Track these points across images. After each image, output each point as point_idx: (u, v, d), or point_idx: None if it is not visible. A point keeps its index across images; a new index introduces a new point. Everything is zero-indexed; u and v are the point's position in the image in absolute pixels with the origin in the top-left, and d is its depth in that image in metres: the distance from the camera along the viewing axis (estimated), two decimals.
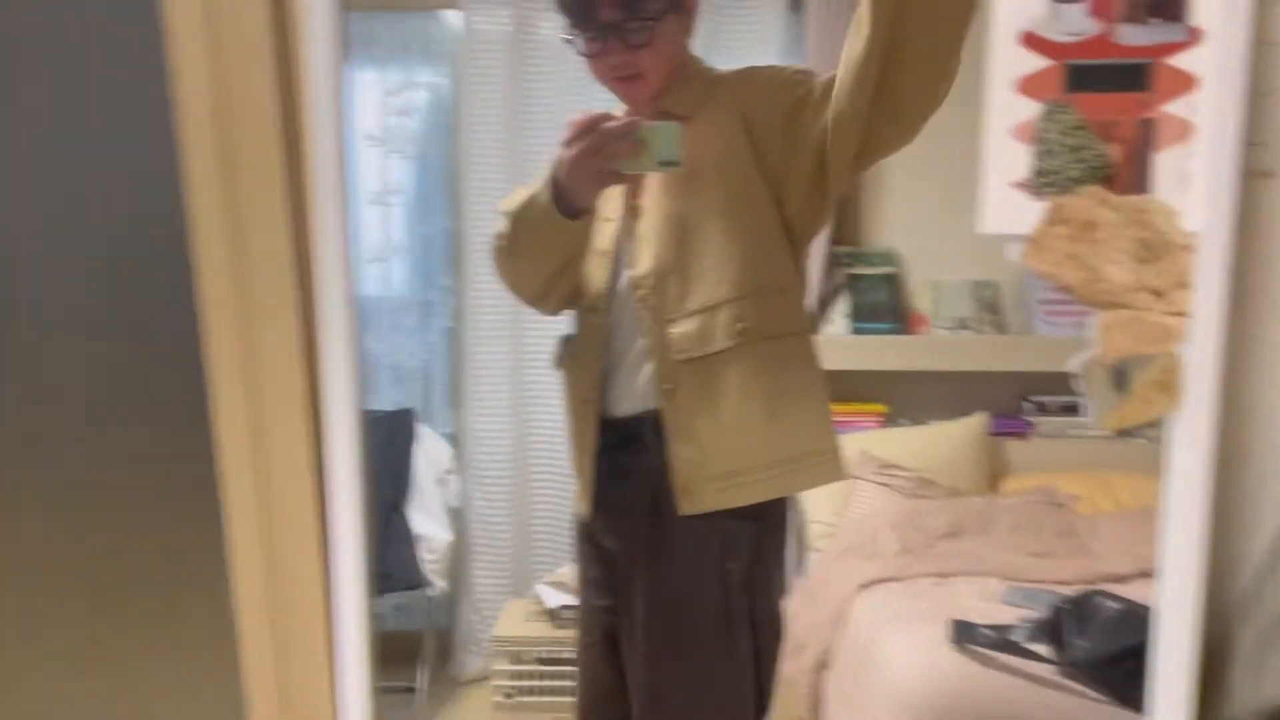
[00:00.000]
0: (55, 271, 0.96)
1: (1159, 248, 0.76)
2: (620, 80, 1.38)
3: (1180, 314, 0.77)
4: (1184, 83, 0.76)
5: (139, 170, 0.91)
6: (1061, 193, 0.75)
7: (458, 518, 3.12)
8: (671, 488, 1.38)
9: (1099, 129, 0.75)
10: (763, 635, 1.45)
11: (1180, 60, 0.75)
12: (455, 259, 3.21)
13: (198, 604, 0.99)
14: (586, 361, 1.46)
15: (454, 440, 3.20)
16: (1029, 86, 0.75)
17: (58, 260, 0.96)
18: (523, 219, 1.39)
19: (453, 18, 3.14)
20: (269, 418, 0.91)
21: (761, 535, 1.43)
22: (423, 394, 3.30)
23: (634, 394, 1.41)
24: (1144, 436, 3.06)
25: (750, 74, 1.43)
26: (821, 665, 2.42)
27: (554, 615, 2.81)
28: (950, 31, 0.98)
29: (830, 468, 1.41)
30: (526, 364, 3.09)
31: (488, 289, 3.06)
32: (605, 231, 1.44)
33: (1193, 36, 0.75)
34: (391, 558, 2.74)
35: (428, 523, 2.94)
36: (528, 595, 3.00)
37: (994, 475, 3.04)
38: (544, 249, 1.40)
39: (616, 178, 1.30)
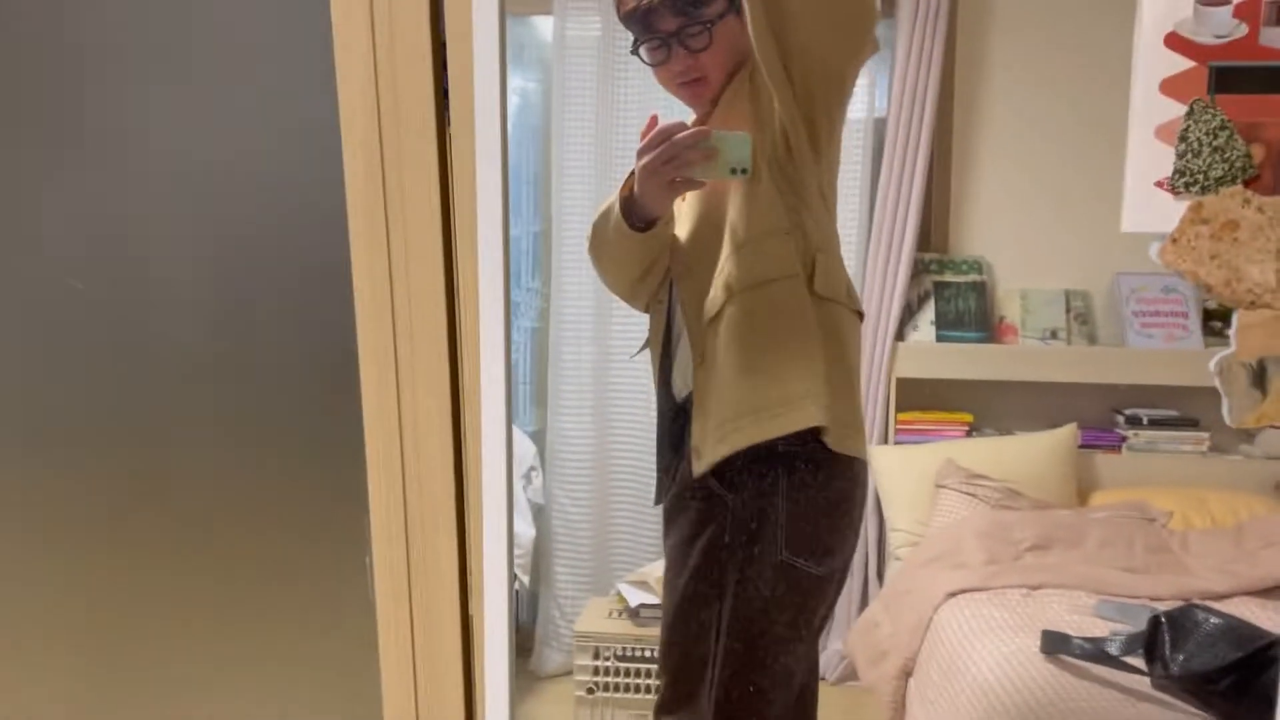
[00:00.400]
0: (208, 268, 1.02)
1: None
2: (684, 85, 1.42)
3: None
4: None
5: (300, 170, 0.96)
6: (1203, 192, 0.76)
7: (540, 515, 3.17)
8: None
9: (1243, 130, 0.76)
10: (734, 616, 1.42)
11: None
12: (543, 261, 3.27)
13: (337, 605, 1.03)
14: (656, 349, 1.51)
15: (538, 438, 3.26)
16: (1173, 87, 0.76)
17: (212, 256, 1.02)
18: (600, 230, 1.45)
19: (543, 23, 3.20)
20: (419, 415, 0.95)
21: (742, 509, 1.40)
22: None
23: (686, 375, 1.46)
24: (1240, 453, 2.99)
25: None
26: (905, 673, 2.41)
27: (635, 614, 2.84)
28: None
29: (812, 412, 1.34)
30: (610, 364, 3.14)
31: (573, 290, 3.12)
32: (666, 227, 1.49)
33: None
34: None
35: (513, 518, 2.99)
36: (610, 594, 3.03)
37: (1083, 488, 2.99)
38: (621, 259, 1.45)
39: (689, 185, 1.35)
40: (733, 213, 1.38)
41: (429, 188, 0.88)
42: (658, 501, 1.57)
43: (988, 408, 3.18)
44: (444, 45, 0.86)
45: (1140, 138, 0.76)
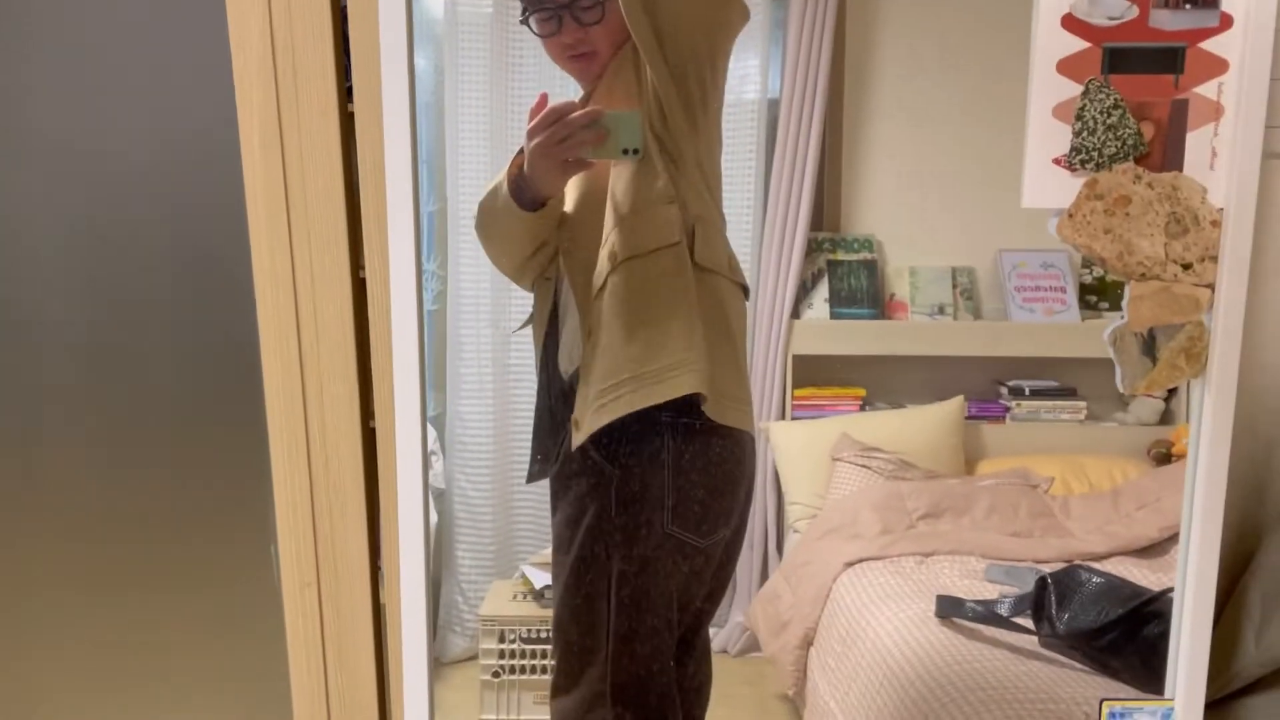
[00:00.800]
0: (105, 262, 0.97)
1: (1188, 222, 0.80)
2: (573, 58, 1.40)
3: (1207, 285, 0.82)
4: (1215, 66, 0.80)
5: (195, 155, 0.92)
6: (1098, 169, 0.79)
7: (441, 499, 3.13)
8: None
9: (1134, 109, 0.79)
10: (621, 592, 1.41)
11: (1212, 44, 0.80)
12: (439, 242, 3.21)
13: (245, 593, 1.00)
14: (540, 327, 1.50)
15: (437, 423, 3.21)
16: (1069, 68, 0.79)
17: (105, 251, 0.96)
18: (487, 209, 1.43)
19: (435, 1, 3.13)
20: (325, 402, 0.93)
21: (626, 484, 1.41)
22: None
23: (575, 350, 1.44)
24: (1115, 420, 3.15)
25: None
26: (806, 642, 2.47)
27: (540, 595, 2.83)
28: None
29: (689, 379, 1.34)
30: (508, 346, 3.11)
31: (470, 271, 3.07)
32: (556, 203, 1.46)
33: (1224, 22, 0.80)
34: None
35: None
36: (514, 577, 3.02)
37: (970, 458, 3.11)
38: (510, 237, 1.44)
39: (580, 165, 1.34)
40: (617, 184, 1.37)
41: (331, 169, 0.85)
42: (529, 480, 1.58)
43: (880, 382, 3.26)
44: (344, 18, 0.83)
45: (1039, 116, 0.79)
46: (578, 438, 1.38)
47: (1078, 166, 0.80)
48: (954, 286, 3.19)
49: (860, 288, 3.20)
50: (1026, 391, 3.14)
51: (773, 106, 3.12)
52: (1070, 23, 0.79)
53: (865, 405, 3.21)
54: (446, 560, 3.14)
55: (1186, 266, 0.81)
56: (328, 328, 0.90)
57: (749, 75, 3.12)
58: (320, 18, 0.82)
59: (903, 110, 3.13)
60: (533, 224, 1.40)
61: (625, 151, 1.31)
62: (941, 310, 3.18)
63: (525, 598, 2.87)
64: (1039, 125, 0.80)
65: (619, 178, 1.37)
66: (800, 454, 3.09)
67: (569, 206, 1.44)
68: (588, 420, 1.36)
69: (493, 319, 3.11)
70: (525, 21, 1.40)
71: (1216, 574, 0.81)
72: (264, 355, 0.92)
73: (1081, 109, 0.79)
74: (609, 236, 1.37)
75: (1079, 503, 2.78)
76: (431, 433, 3.14)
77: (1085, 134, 0.79)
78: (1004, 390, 3.19)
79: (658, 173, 1.36)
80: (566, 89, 1.48)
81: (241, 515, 1.00)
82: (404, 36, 0.78)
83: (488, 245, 1.50)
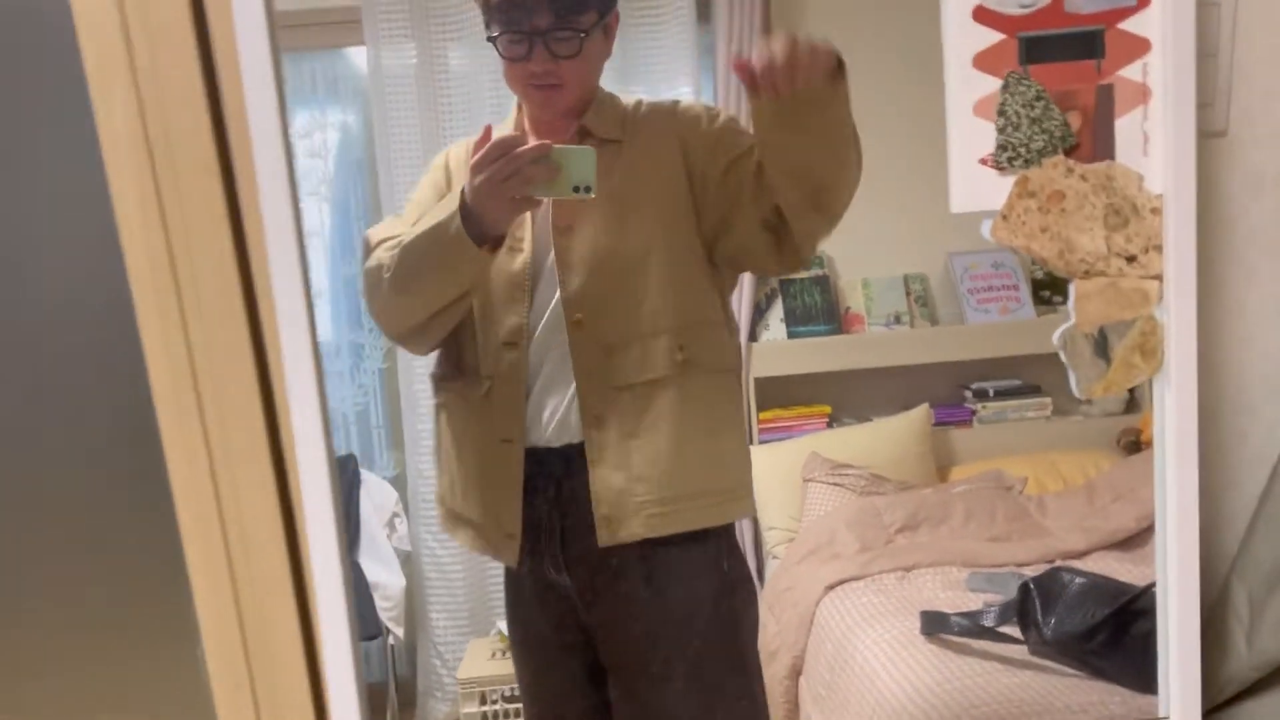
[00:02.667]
0: None
1: (1127, 213, 0.76)
2: (539, 88, 1.35)
3: (1154, 277, 0.78)
4: (1137, 47, 0.76)
5: (71, 229, 0.86)
6: (1027, 165, 0.75)
7: (409, 562, 3.04)
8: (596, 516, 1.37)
9: (1058, 99, 0.75)
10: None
11: (1132, 24, 0.76)
12: None
13: (168, 667, 0.92)
14: (505, 400, 1.39)
15: (399, 483, 3.13)
16: (986, 62, 0.75)
17: None
18: (419, 249, 1.31)
19: (358, 54, 3.09)
20: (232, 467, 0.86)
21: (726, 551, 1.46)
22: (361, 439, 3.22)
23: (567, 425, 1.38)
24: (1081, 413, 3.13)
25: (684, 112, 1.43)
26: (795, 672, 2.40)
27: None
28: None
29: (749, 503, 1.46)
30: None
31: None
32: (512, 261, 1.39)
33: (1142, 1, 0.76)
34: None
35: (379, 569, 2.86)
36: (490, 634, 2.93)
37: (942, 465, 3.07)
38: (442, 282, 1.33)
39: (529, 204, 1.27)
40: (670, 291, 1.36)
41: (217, 230, 0.79)
42: (517, 567, 1.46)
43: (844, 397, 3.22)
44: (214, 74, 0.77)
45: (959, 116, 0.75)
46: (610, 537, 1.36)
47: (1006, 165, 0.76)
48: (908, 294, 3.16)
49: (815, 304, 3.16)
50: (990, 393, 3.11)
51: None
52: (982, 14, 0.75)
53: (832, 422, 3.17)
54: (420, 623, 3.05)
55: (1131, 259, 0.77)
56: (232, 409, 0.84)
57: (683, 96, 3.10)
58: (189, 82, 0.76)
59: None
60: (481, 266, 1.32)
61: (577, 189, 1.23)
62: (898, 319, 3.15)
63: (503, 655, 2.79)
64: (960, 125, 0.75)
65: (663, 273, 1.35)
66: (771, 478, 3.04)
67: (578, 277, 1.36)
68: (632, 524, 1.36)
69: None
70: (492, 40, 1.34)
71: (1199, 583, 0.76)
72: (166, 449, 0.85)
73: (1003, 104, 0.75)
74: (667, 333, 1.35)
75: (1054, 500, 2.74)
76: (394, 494, 3.06)
77: (1010, 130, 0.75)
78: (968, 394, 3.16)
79: (716, 292, 1.40)
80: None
81: (160, 616, 0.93)
82: (273, 95, 0.73)
83: (397, 296, 1.36)
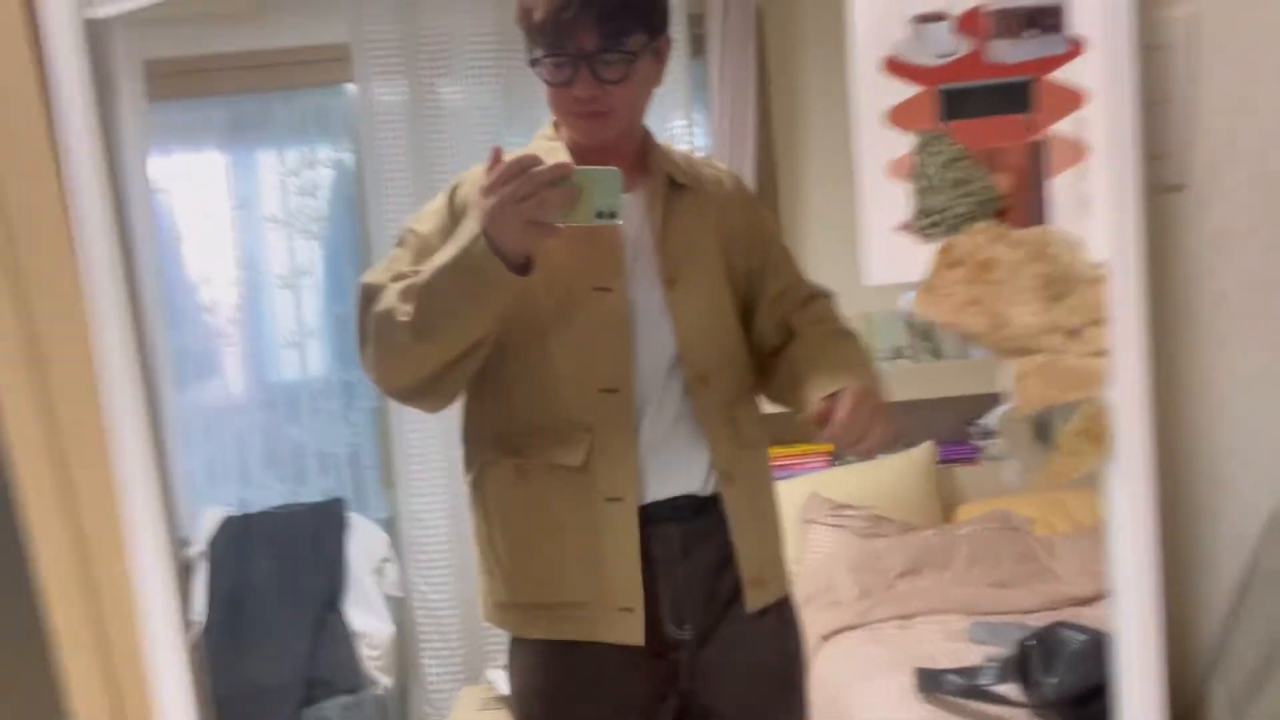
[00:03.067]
0: None
1: (1066, 283, 0.68)
2: (585, 115, 1.24)
3: (1099, 353, 0.69)
4: (1071, 99, 0.68)
5: None
6: (951, 232, 0.67)
7: (399, 607, 2.96)
8: (738, 578, 1.33)
9: (983, 158, 0.67)
10: None
11: (1064, 74, 0.68)
12: None
13: None
14: (612, 452, 1.27)
15: (390, 525, 3.06)
16: (900, 117, 0.67)
17: None
18: (443, 282, 1.17)
19: (350, 91, 3.05)
20: (92, 553, 0.79)
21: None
22: (354, 479, 3.16)
23: (688, 480, 1.30)
24: None
25: (747, 192, 1.44)
26: None
27: (509, 701, 2.66)
28: None
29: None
30: (457, 437, 2.97)
31: None
32: (602, 303, 1.28)
33: (1074, 48, 0.68)
34: (327, 661, 2.58)
35: (366, 617, 2.79)
36: (480, 682, 2.85)
37: (947, 505, 2.96)
38: (473, 315, 1.19)
39: (546, 230, 1.13)
40: (745, 351, 1.37)
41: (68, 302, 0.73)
42: (636, 643, 1.30)
43: None
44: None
45: (871, 178, 0.67)
46: (756, 599, 1.34)
47: (926, 232, 0.68)
48: (910, 328, 3.07)
49: None
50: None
51: None
52: (895, 66, 0.67)
53: (834, 459, 3.08)
54: (412, 671, 2.97)
55: (1072, 334, 0.69)
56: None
57: (676, 137, 3.04)
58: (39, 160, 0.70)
59: (835, 156, 3.04)
60: (507, 294, 1.17)
61: (600, 215, 1.11)
62: (900, 354, 3.06)
63: (496, 704, 2.70)
64: (872, 188, 0.67)
65: (739, 332, 1.36)
66: None
67: (693, 329, 1.30)
68: (777, 585, 1.37)
69: (442, 412, 2.97)
70: (534, 64, 1.25)
71: (1164, 693, 0.67)
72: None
73: (920, 165, 0.67)
74: (749, 400, 1.38)
75: (1063, 542, 2.63)
76: (385, 538, 2.99)
77: (928, 194, 0.67)
78: (973, 430, 3.05)
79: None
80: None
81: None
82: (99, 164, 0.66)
83: (424, 339, 1.20)
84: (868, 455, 1.28)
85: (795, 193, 3.11)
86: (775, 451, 3.02)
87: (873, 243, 0.67)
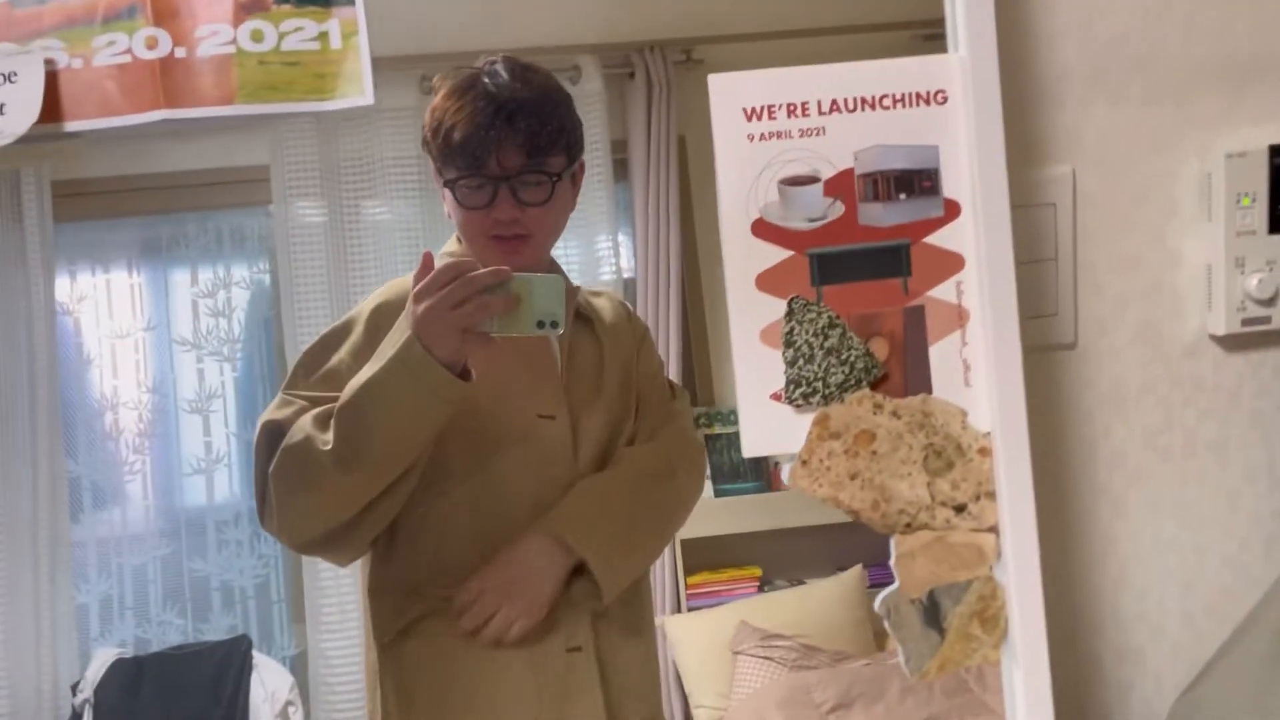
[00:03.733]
0: None
1: (951, 454, 0.64)
2: (501, 239, 1.18)
3: (990, 529, 0.65)
4: (949, 263, 0.66)
5: None
6: (826, 402, 0.63)
7: None
8: None
9: (858, 324, 0.64)
10: None
11: (940, 238, 0.66)
12: None
13: None
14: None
15: (299, 662, 2.90)
16: (771, 283, 0.64)
17: None
18: (373, 399, 1.06)
19: (268, 211, 3.02)
20: None
21: None
22: (261, 614, 3.00)
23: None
24: None
25: (637, 323, 1.40)
26: None
27: None
28: None
29: None
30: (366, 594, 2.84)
31: None
32: (546, 430, 1.22)
33: (950, 210, 0.66)
34: None
35: None
36: None
37: (880, 631, 2.89)
38: (407, 436, 1.09)
39: (481, 340, 1.03)
40: None
41: None
42: None
43: (775, 558, 3.07)
44: None
45: (745, 344, 0.63)
46: None
47: (801, 402, 0.64)
48: None
49: (742, 462, 3.04)
50: None
51: (629, 286, 3.04)
52: (764, 229, 0.64)
53: (764, 585, 3.01)
54: None
55: (960, 509, 0.64)
56: None
57: (603, 256, 3.04)
58: None
59: None
60: (453, 406, 1.07)
61: (542, 324, 1.02)
62: None
63: None
64: (747, 355, 0.63)
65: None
66: (700, 649, 2.85)
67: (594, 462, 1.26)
68: None
69: None
70: (449, 184, 1.19)
71: None
72: None
73: (790, 333, 0.63)
74: None
75: (995, 673, 2.56)
76: (289, 679, 2.82)
77: (801, 363, 0.63)
78: None
79: None
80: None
81: None
82: None
83: (350, 469, 1.08)
84: (491, 641, 1.13)
85: (718, 313, 3.11)
86: (703, 578, 2.96)
87: (750, 413, 0.63)
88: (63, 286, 2.90)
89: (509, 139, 1.15)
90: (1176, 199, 0.78)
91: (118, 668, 2.63)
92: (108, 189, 2.89)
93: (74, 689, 2.58)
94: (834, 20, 2.39)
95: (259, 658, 2.79)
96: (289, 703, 2.77)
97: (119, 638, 2.85)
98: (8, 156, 2.68)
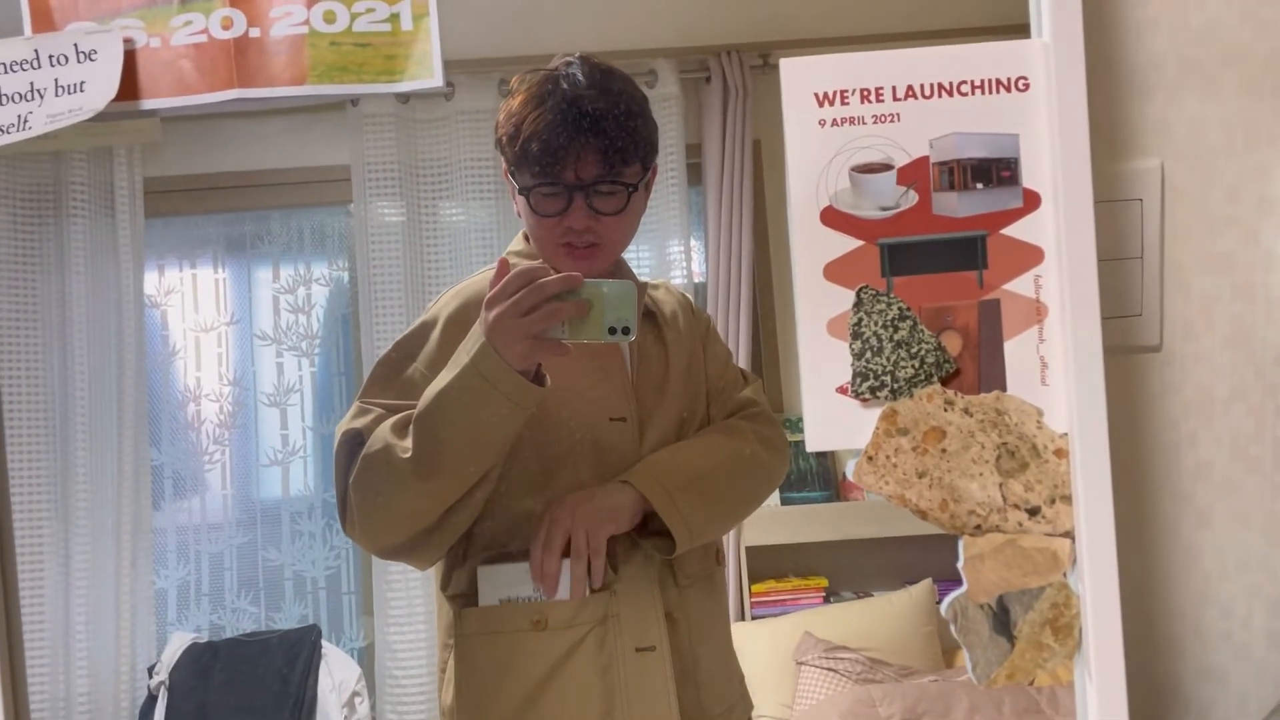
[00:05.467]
0: None
1: (1025, 455, 0.61)
2: (573, 248, 1.17)
3: (1065, 534, 0.62)
4: (1028, 256, 0.63)
5: None
6: (895, 396, 0.61)
7: None
8: None
9: (929, 317, 0.62)
10: None
11: (1019, 230, 0.63)
12: None
13: None
14: (640, 595, 1.24)
15: (366, 654, 2.94)
16: (840, 272, 0.62)
17: None
18: (450, 407, 1.07)
19: (346, 211, 3.08)
20: None
21: None
22: (331, 605, 3.06)
23: None
24: None
25: (701, 315, 1.38)
26: None
27: None
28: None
29: None
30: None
31: None
32: (620, 433, 1.22)
33: (1030, 201, 0.63)
34: None
35: None
36: None
37: (949, 646, 2.83)
38: (488, 438, 1.09)
39: (554, 348, 1.04)
40: None
41: None
42: None
43: (843, 569, 3.02)
44: None
45: (812, 335, 0.61)
46: None
47: (868, 395, 0.62)
48: None
49: (810, 469, 3.00)
50: None
51: (700, 290, 3.03)
52: (833, 218, 0.62)
53: (829, 596, 2.96)
54: None
55: (1033, 512, 0.62)
56: None
57: (674, 260, 3.04)
58: None
59: None
60: (527, 412, 1.07)
61: (613, 331, 1.03)
62: None
63: None
64: (813, 347, 0.62)
65: None
66: (763, 658, 2.81)
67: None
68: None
69: None
70: (524, 192, 1.18)
71: None
72: None
73: (857, 324, 0.61)
74: None
75: (1067, 694, 2.49)
76: (357, 670, 2.87)
77: (869, 355, 0.61)
78: None
79: None
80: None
81: None
82: None
83: (430, 475, 1.09)
84: (575, 594, 1.12)
85: (789, 320, 3.08)
86: (768, 586, 2.93)
87: (815, 406, 0.61)
88: (151, 280, 3.00)
89: (586, 149, 1.14)
90: (1272, 196, 0.74)
91: (192, 652, 2.70)
92: (195, 186, 2.98)
93: (150, 671, 2.66)
94: (916, 25, 2.35)
95: (328, 648, 2.84)
96: (355, 694, 2.81)
97: (195, 623, 2.93)
98: (102, 156, 2.78)
